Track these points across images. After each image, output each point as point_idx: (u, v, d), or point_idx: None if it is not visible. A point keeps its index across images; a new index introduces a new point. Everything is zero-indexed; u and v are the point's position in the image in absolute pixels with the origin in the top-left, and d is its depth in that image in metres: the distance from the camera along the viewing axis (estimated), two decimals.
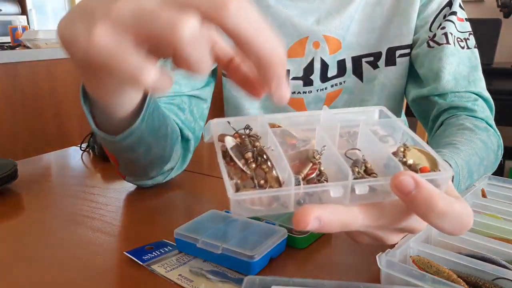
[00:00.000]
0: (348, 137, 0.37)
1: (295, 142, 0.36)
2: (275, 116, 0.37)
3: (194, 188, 0.72)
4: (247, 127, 0.35)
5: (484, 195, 0.56)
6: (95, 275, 0.46)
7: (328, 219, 0.28)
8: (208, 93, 0.80)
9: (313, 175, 0.32)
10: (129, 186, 0.71)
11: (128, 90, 0.47)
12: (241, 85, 0.35)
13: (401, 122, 0.36)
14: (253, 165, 0.31)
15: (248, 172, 0.31)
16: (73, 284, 0.44)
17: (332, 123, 0.36)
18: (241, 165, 0.31)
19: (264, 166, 0.31)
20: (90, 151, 0.91)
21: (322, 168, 0.32)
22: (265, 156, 0.32)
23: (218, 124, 0.35)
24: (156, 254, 0.48)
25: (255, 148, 0.32)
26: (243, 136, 0.34)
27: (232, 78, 0.35)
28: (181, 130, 0.70)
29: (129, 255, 0.48)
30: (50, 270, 0.47)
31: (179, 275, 0.45)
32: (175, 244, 0.50)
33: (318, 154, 0.33)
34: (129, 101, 0.50)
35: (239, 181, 0.31)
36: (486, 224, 0.47)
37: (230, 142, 0.33)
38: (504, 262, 0.40)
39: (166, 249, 0.50)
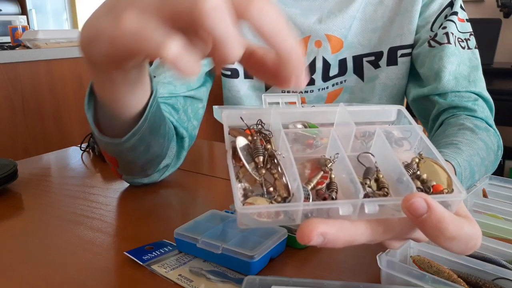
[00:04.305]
0: (363, 139, 0.35)
1: (312, 142, 0.34)
2: (289, 110, 0.36)
3: (194, 188, 0.72)
4: (259, 122, 0.33)
5: (485, 195, 0.56)
6: (95, 275, 0.46)
7: (333, 236, 0.28)
8: (204, 93, 0.80)
9: (324, 185, 0.31)
10: (129, 186, 0.71)
11: (139, 89, 0.48)
12: (262, 77, 0.35)
13: (420, 129, 0.35)
14: (263, 171, 0.30)
15: (258, 178, 0.30)
16: (73, 284, 0.44)
17: (348, 124, 0.35)
18: (250, 170, 0.30)
19: (274, 171, 0.31)
20: (90, 151, 0.91)
21: (333, 176, 0.31)
22: (275, 161, 0.31)
23: (229, 116, 0.33)
24: (156, 254, 0.48)
25: (266, 151, 0.31)
26: (255, 137, 0.32)
27: (252, 70, 0.35)
28: (175, 128, 0.70)
29: (129, 255, 0.48)
30: (50, 270, 0.47)
31: (179, 275, 0.45)
32: (175, 244, 0.50)
33: (331, 162, 0.32)
34: (138, 100, 0.50)
35: (247, 185, 0.30)
36: (487, 224, 0.47)
37: (241, 142, 0.32)
38: (504, 262, 0.40)
39: (166, 249, 0.50)
